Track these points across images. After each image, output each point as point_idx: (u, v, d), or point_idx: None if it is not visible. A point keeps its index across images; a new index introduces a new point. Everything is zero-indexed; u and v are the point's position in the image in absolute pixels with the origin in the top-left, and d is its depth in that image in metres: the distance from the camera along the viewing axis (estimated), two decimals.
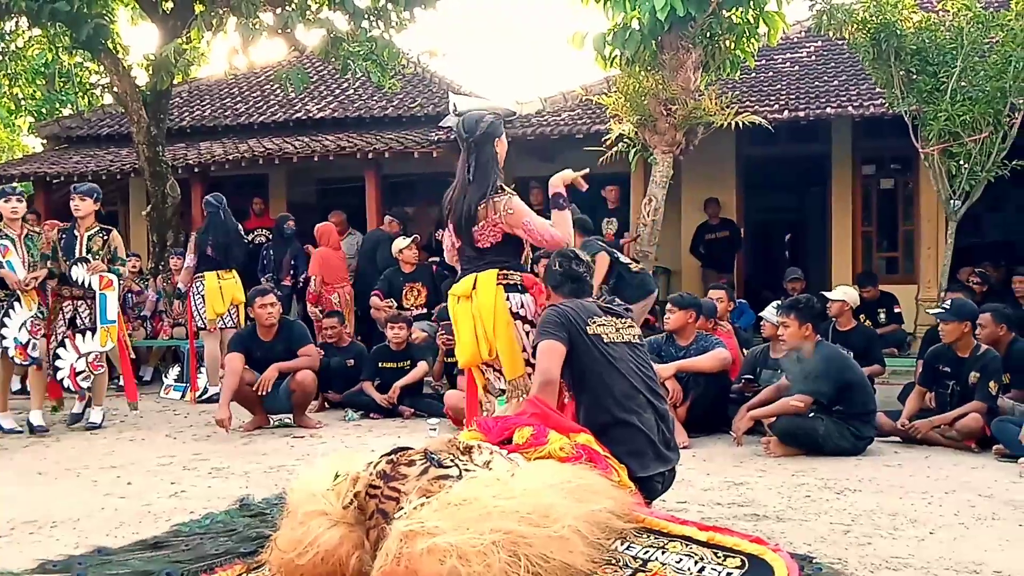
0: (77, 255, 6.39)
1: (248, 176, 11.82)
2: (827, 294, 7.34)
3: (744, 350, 6.81)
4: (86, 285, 6.39)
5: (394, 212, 9.86)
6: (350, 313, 8.99)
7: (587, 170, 4.18)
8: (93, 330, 6.40)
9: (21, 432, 6.24)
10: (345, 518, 2.67)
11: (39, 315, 6.35)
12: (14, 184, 7.22)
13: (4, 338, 6.24)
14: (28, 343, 6.30)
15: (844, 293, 7.28)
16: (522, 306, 3.75)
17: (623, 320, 3.53)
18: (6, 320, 6.25)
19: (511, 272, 3.79)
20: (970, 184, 7.97)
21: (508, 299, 3.72)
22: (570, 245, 3.88)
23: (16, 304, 6.28)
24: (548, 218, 3.92)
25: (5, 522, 3.83)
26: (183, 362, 8.82)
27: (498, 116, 4.06)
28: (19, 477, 4.88)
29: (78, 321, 6.42)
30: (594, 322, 3.44)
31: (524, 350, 3.74)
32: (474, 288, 3.76)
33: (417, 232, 10.46)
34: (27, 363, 6.39)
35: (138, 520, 3.85)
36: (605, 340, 3.41)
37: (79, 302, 6.44)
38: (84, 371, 6.44)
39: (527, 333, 3.73)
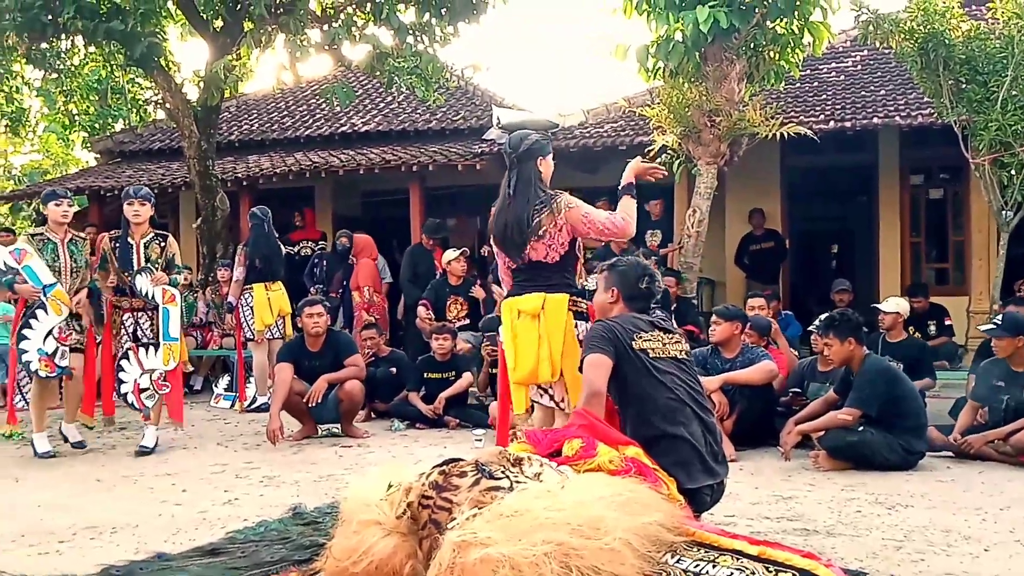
0: (136, 264, 5.97)
1: (294, 189, 12.02)
2: (879, 306, 7.26)
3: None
4: (149, 297, 5.98)
5: (426, 226, 9.83)
6: (385, 324, 9.19)
7: (662, 168, 4.19)
8: (156, 346, 5.99)
9: (54, 456, 5.82)
10: (398, 528, 2.72)
11: (69, 322, 5.88)
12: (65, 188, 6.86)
13: (25, 352, 5.76)
14: (55, 351, 5.81)
15: (896, 305, 7.18)
16: (585, 334, 3.77)
17: (671, 335, 3.54)
18: (26, 332, 5.77)
19: (579, 300, 3.83)
20: (1022, 194, 7.84)
21: (577, 326, 3.77)
22: (632, 233, 3.90)
23: (40, 312, 5.78)
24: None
25: (67, 528, 3.95)
26: (232, 372, 8.99)
27: (545, 135, 4.10)
28: (79, 485, 5.01)
29: (139, 334, 6.01)
30: (640, 337, 3.45)
31: None
32: (543, 308, 3.77)
33: (459, 244, 10.55)
34: (54, 375, 5.87)
35: (194, 527, 3.95)
36: (651, 355, 3.43)
37: (140, 314, 6.01)
38: (148, 389, 6.02)
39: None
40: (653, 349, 3.46)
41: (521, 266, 3.89)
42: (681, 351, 3.55)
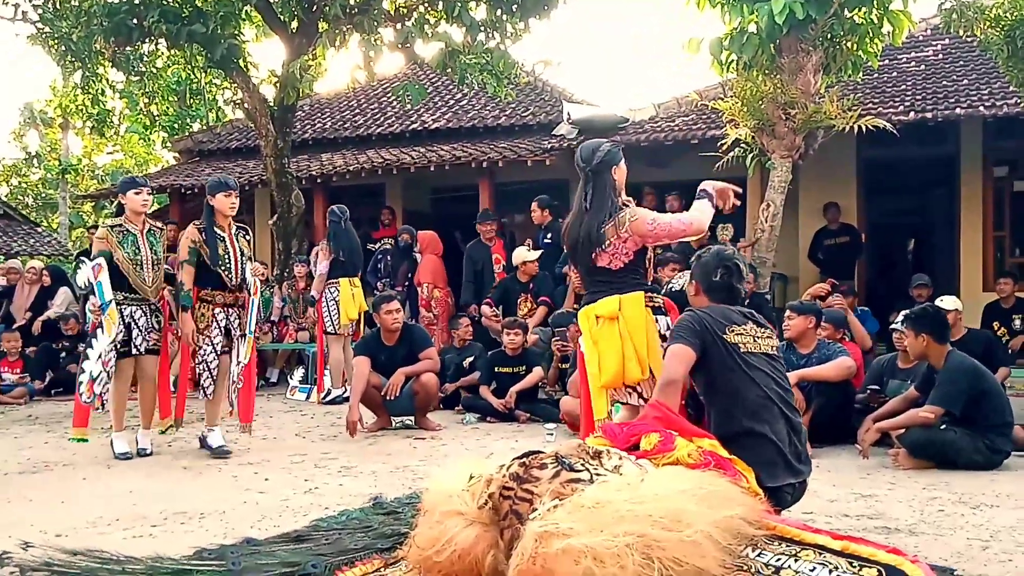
0: (234, 258, 5.73)
1: (366, 186, 12.23)
2: (937, 303, 7.04)
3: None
4: (250, 289, 5.82)
5: (482, 216, 9.80)
6: (445, 316, 9.31)
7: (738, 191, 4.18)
8: (243, 337, 5.84)
9: (130, 457, 5.66)
10: (480, 518, 2.76)
11: (149, 321, 5.76)
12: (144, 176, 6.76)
13: (83, 371, 5.55)
14: (99, 375, 5.54)
15: (955, 303, 6.99)
16: (668, 328, 3.81)
17: (763, 330, 3.50)
18: (89, 352, 5.56)
19: (655, 296, 3.86)
20: None
21: (657, 320, 3.80)
22: (703, 230, 3.89)
23: (99, 331, 5.55)
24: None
25: (158, 513, 4.12)
26: (307, 365, 9.21)
27: (616, 143, 4.11)
28: (167, 473, 5.21)
29: (232, 330, 5.80)
30: (732, 330, 3.42)
31: None
32: (620, 309, 3.80)
33: (527, 237, 10.59)
34: (89, 400, 5.58)
35: (278, 514, 4.07)
36: (742, 349, 3.39)
37: (231, 309, 5.79)
38: (236, 382, 5.87)
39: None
40: (744, 343, 3.43)
41: (590, 272, 3.94)
42: (772, 347, 3.51)
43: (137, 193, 5.73)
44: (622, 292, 3.83)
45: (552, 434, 6.06)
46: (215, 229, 5.71)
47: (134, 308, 5.71)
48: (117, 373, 5.68)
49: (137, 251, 5.70)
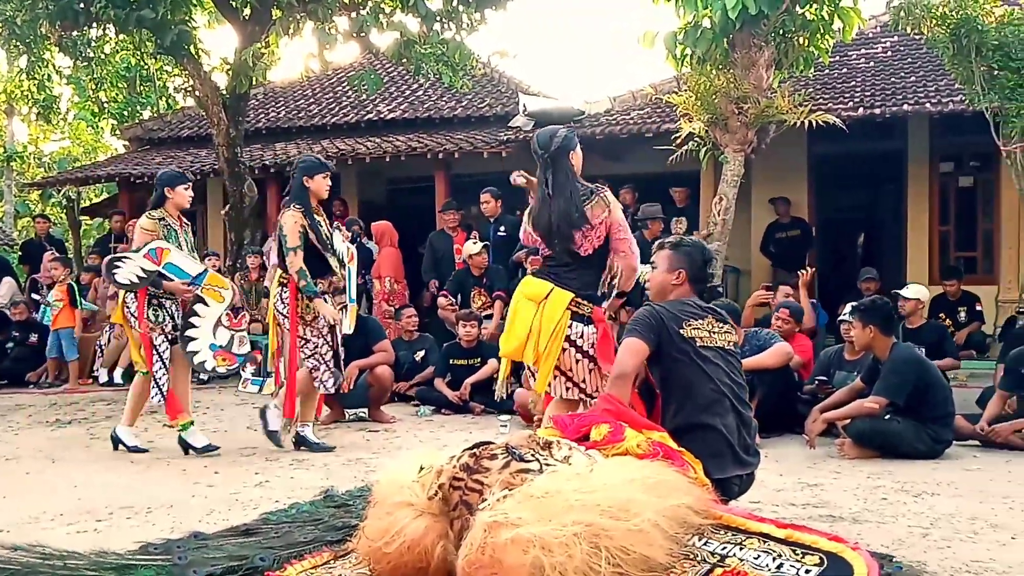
0: (334, 244, 5.53)
1: None
2: (901, 292, 7.22)
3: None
4: (344, 259, 5.64)
5: (445, 206, 9.76)
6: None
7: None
8: (345, 309, 5.68)
9: (147, 451, 5.51)
10: (430, 509, 2.76)
11: (237, 306, 5.61)
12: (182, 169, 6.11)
13: (195, 352, 5.39)
14: (231, 341, 5.48)
15: (917, 292, 7.17)
16: (581, 336, 3.86)
17: (722, 324, 3.53)
18: (191, 332, 5.38)
19: (584, 303, 3.88)
20: None
21: (571, 326, 3.84)
22: (635, 271, 3.96)
23: (199, 306, 5.40)
24: None
25: (104, 507, 4.05)
26: (261, 357, 9.09)
27: (571, 128, 4.14)
28: (114, 466, 5.12)
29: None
30: (690, 324, 3.44)
31: (568, 371, 3.87)
32: (546, 298, 3.86)
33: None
34: (234, 366, 5.63)
35: (227, 507, 4.03)
36: (698, 343, 3.42)
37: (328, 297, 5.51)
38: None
39: (577, 361, 3.86)
40: (701, 337, 3.45)
41: (553, 255, 3.97)
42: (729, 341, 3.54)
43: (185, 188, 5.56)
44: (563, 286, 3.88)
45: (506, 426, 6.07)
46: (315, 215, 5.39)
47: (171, 302, 5.48)
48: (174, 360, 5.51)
49: (180, 246, 5.51)
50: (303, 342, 5.38)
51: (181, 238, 5.52)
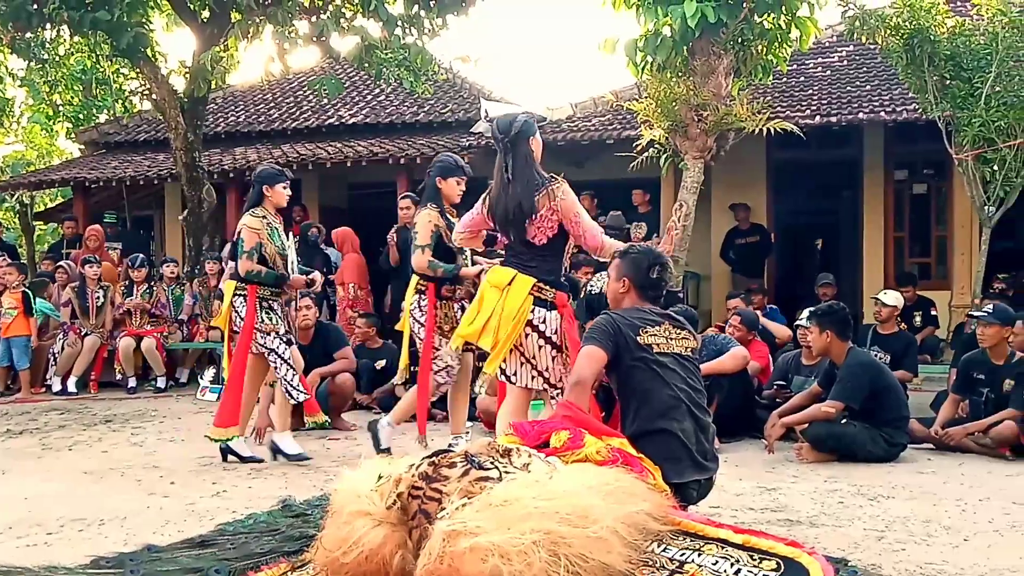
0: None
1: None
2: (880, 297, 7.28)
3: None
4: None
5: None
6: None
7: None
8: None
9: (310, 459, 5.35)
10: (388, 518, 2.74)
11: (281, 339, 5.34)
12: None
13: (285, 367, 5.28)
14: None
15: (896, 298, 7.26)
16: (544, 321, 3.89)
17: (679, 331, 3.54)
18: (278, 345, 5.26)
19: (546, 288, 3.91)
20: (1005, 190, 7.93)
21: (534, 311, 3.86)
22: (604, 257, 3.95)
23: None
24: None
25: (55, 519, 3.96)
26: (218, 364, 8.97)
27: (531, 115, 4.16)
28: (66, 477, 5.01)
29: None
30: (647, 331, 3.46)
31: (532, 359, 3.89)
32: (509, 284, 3.89)
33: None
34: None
35: (183, 519, 3.96)
36: (655, 350, 3.44)
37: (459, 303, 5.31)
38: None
39: (540, 347, 3.88)
40: (658, 344, 3.47)
41: (511, 243, 4.00)
42: (687, 347, 3.55)
43: (284, 186, 5.39)
44: (525, 272, 3.90)
45: (468, 432, 6.04)
46: (447, 215, 5.17)
47: (278, 304, 5.41)
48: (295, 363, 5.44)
49: (283, 248, 5.38)
50: (436, 354, 5.11)
51: (282, 238, 5.42)
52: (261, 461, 5.30)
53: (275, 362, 5.29)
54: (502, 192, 3.94)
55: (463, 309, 4.94)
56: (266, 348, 5.26)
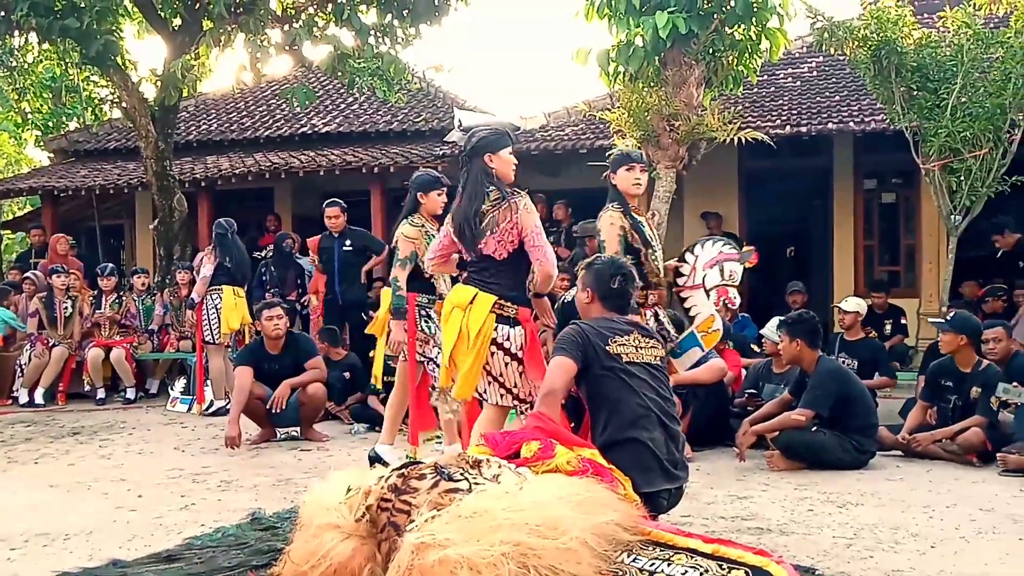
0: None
1: (253, 190, 11.92)
2: (840, 305, 7.38)
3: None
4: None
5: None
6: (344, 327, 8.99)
7: None
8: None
9: None
10: (357, 531, 2.73)
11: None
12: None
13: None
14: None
15: (856, 304, 7.35)
16: (508, 339, 3.83)
17: (648, 340, 3.56)
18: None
19: (507, 305, 3.85)
20: (971, 199, 8.03)
21: (496, 328, 3.81)
22: (549, 280, 3.91)
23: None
24: None
25: (19, 534, 3.89)
26: (189, 375, 8.88)
27: (500, 132, 4.09)
28: (32, 491, 4.93)
29: (665, 333, 5.01)
30: (615, 341, 3.47)
31: (499, 376, 3.85)
32: (471, 303, 3.85)
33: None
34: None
35: (150, 533, 3.91)
36: (624, 360, 3.45)
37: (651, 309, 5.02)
38: None
39: (506, 364, 3.83)
40: (627, 354, 3.48)
41: (473, 260, 3.96)
42: (656, 356, 3.57)
43: (439, 193, 5.26)
44: (486, 289, 3.86)
45: (441, 442, 6.03)
46: (633, 213, 4.91)
47: (434, 310, 5.19)
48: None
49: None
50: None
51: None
52: None
53: (433, 372, 5.08)
54: (459, 207, 3.93)
55: (655, 316, 4.90)
56: (425, 357, 5.11)
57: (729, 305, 5.27)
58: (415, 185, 5.27)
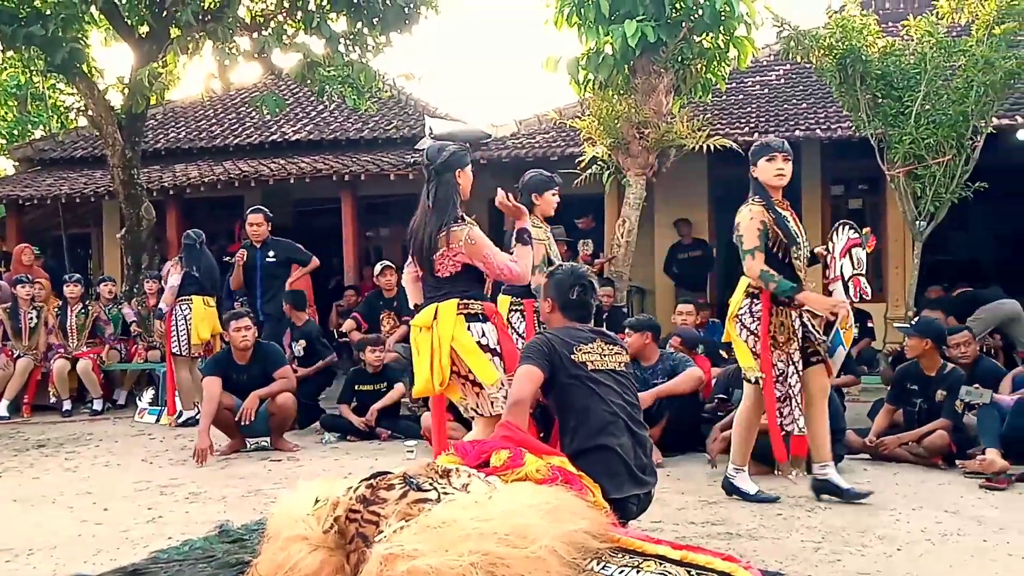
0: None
1: (223, 198, 11.83)
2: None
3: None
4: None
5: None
6: None
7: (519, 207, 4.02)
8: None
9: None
10: (325, 542, 2.71)
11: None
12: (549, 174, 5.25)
13: None
14: None
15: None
16: (483, 335, 3.80)
17: (612, 347, 3.57)
18: None
19: (471, 301, 3.82)
20: (935, 205, 8.16)
21: (469, 328, 3.77)
22: (525, 281, 3.91)
23: None
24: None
25: None
26: (157, 385, 8.77)
27: (464, 147, 4.07)
28: None
29: (812, 338, 4.66)
30: (580, 349, 3.48)
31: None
32: (435, 318, 3.80)
33: (391, 254, 10.50)
34: None
35: (116, 547, 3.86)
36: (590, 367, 3.46)
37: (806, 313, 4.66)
38: None
39: (489, 361, 3.79)
40: (592, 361, 3.49)
41: (425, 277, 3.93)
42: (621, 363, 3.58)
43: (553, 194, 5.10)
44: (441, 301, 3.82)
45: (412, 451, 6.02)
46: (776, 207, 4.56)
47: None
48: None
49: (558, 255, 5.16)
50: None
51: (554, 247, 5.16)
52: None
53: None
54: (421, 221, 3.89)
55: (801, 317, 4.54)
56: None
57: (864, 296, 4.84)
58: (528, 187, 5.09)
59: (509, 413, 3.37)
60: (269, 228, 7.94)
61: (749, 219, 4.52)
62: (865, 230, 4.88)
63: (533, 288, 4.76)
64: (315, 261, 8.07)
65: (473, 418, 3.94)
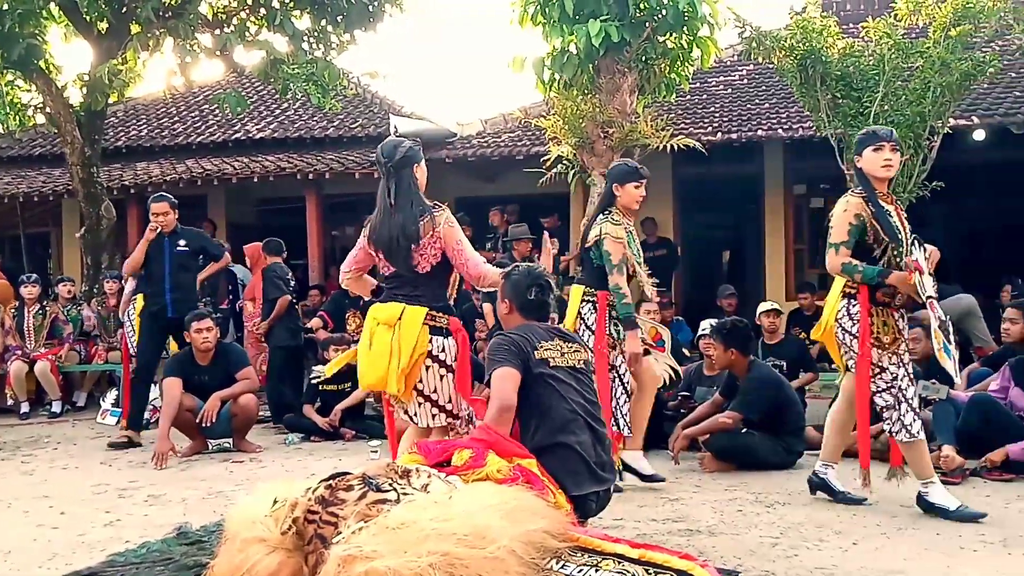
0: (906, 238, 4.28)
1: (185, 197, 11.64)
2: (760, 311, 7.54)
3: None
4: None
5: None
6: None
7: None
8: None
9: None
10: (284, 544, 2.70)
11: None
12: None
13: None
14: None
15: (770, 305, 7.54)
16: (443, 350, 3.77)
17: (570, 344, 3.58)
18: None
19: (439, 315, 3.80)
20: None
21: (431, 341, 3.75)
22: (482, 282, 3.89)
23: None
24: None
25: None
26: (119, 387, 8.65)
27: (417, 143, 4.07)
28: None
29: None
30: (541, 347, 3.48)
31: (432, 393, 3.77)
32: (400, 319, 3.76)
33: None
34: None
35: (72, 551, 3.80)
36: (551, 364, 3.46)
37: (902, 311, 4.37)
38: None
39: (441, 377, 3.77)
40: (553, 359, 3.49)
41: (392, 274, 3.90)
42: (580, 360, 3.59)
43: (636, 186, 4.83)
44: (410, 303, 3.79)
45: (376, 451, 5.98)
46: (879, 200, 4.21)
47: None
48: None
49: (638, 252, 4.94)
50: (878, 371, 4.18)
51: (636, 243, 4.92)
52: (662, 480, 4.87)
53: (614, 381, 4.80)
54: (385, 219, 3.86)
55: (903, 318, 4.26)
56: (610, 364, 4.77)
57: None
58: (611, 177, 4.92)
59: (496, 418, 3.31)
60: (176, 216, 7.16)
61: (843, 211, 4.18)
62: (931, 249, 4.32)
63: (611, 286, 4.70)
64: (227, 257, 7.77)
65: (407, 422, 3.92)
